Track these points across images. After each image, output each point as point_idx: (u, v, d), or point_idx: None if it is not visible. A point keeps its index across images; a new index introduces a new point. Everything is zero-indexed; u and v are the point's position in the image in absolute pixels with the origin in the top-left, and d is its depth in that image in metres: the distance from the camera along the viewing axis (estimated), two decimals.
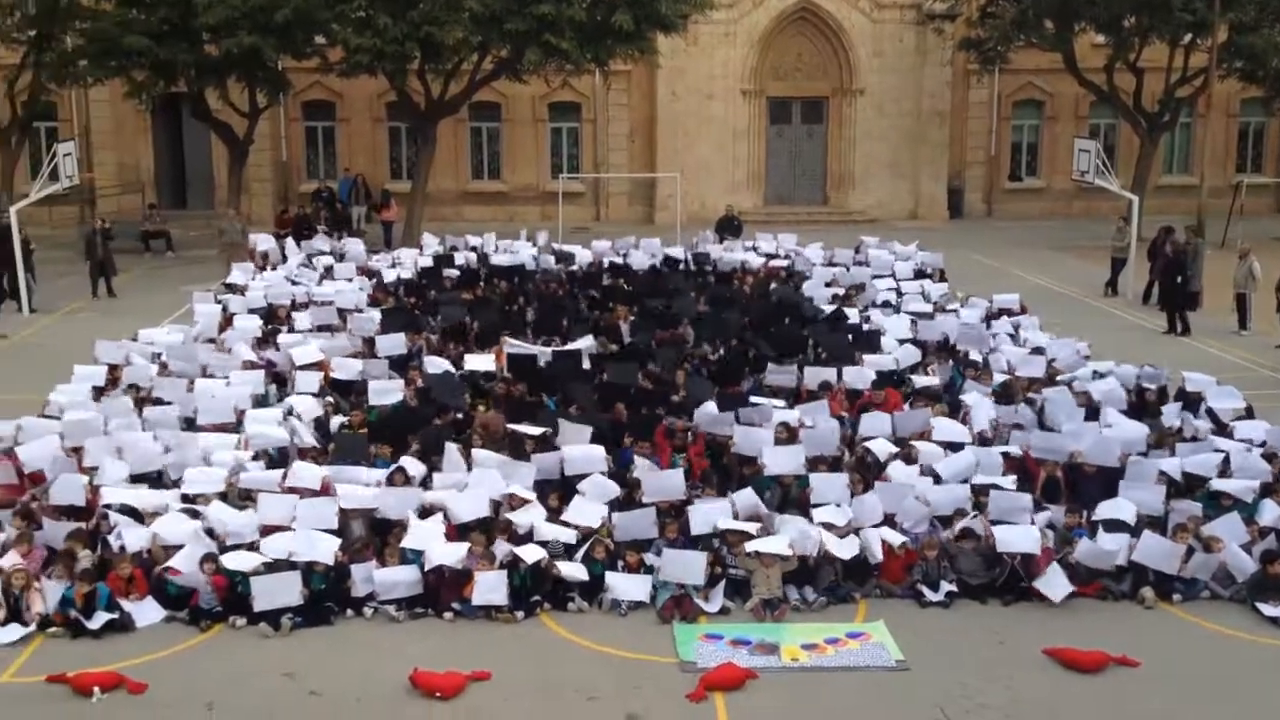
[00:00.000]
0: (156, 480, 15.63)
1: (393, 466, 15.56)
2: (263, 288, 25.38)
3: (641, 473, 15.49)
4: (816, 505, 14.96)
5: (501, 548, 13.89)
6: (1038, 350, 21.12)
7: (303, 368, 19.67)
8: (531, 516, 14.45)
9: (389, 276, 27.11)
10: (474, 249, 29.74)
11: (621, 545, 14.14)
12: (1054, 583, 13.76)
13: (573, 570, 13.73)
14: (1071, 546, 14.23)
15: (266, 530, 14.11)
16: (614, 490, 15.22)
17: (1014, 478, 15.77)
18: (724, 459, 16.57)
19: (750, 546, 13.74)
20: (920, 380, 19.55)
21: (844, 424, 17.62)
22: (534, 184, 44.11)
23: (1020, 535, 14.06)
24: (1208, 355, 24.15)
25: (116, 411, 17.51)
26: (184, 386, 18.80)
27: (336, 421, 18.03)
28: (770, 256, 29.54)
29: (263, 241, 30.23)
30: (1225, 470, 16.03)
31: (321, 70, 36.47)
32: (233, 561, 13.42)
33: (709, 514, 14.54)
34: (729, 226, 34.23)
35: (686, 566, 13.67)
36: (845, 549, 13.97)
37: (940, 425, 17.13)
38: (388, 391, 18.50)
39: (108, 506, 14.47)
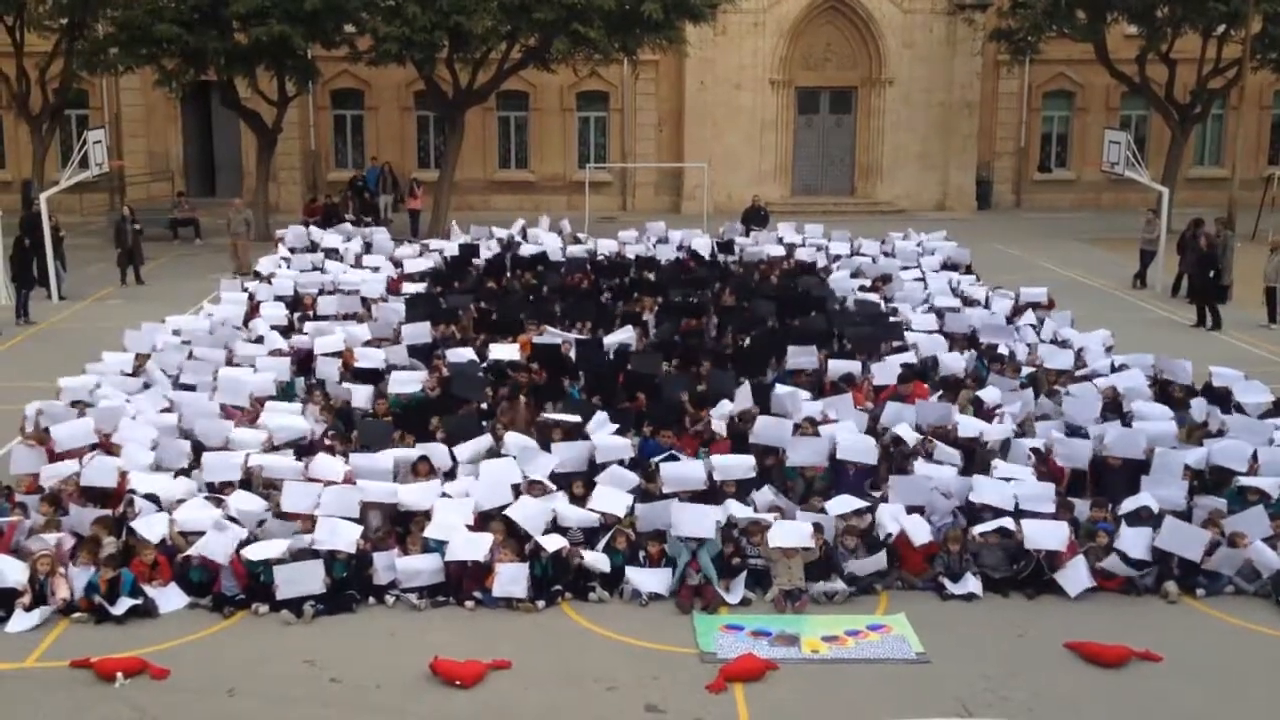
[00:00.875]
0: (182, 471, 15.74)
1: (416, 455, 15.62)
2: (291, 276, 25.48)
3: (662, 464, 15.45)
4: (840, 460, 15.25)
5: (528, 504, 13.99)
6: (1064, 343, 21.00)
7: (324, 355, 19.75)
8: (553, 504, 14.46)
9: (412, 266, 27.08)
10: (500, 240, 29.70)
11: (643, 536, 14.14)
12: (1073, 577, 13.71)
13: (596, 561, 13.75)
14: (1095, 540, 14.17)
15: (288, 517, 14.21)
16: (633, 480, 15.20)
17: (1028, 464, 15.75)
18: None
19: (773, 542, 13.72)
20: (945, 360, 19.53)
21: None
22: (561, 173, 44.14)
23: (1048, 531, 13.98)
24: (1236, 349, 23.97)
25: (147, 402, 17.64)
26: (210, 371, 18.92)
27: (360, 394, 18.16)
28: (793, 247, 29.35)
29: (290, 231, 30.34)
30: (1253, 466, 15.89)
31: (350, 59, 36.51)
32: (255, 551, 13.49)
33: (738, 510, 14.57)
34: (756, 217, 34.17)
35: (698, 521, 13.70)
36: (868, 564, 13.93)
37: (964, 423, 17.00)
38: (408, 381, 18.54)
39: (133, 492, 14.55)
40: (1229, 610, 13.49)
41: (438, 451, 15.79)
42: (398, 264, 27.57)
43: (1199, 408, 17.78)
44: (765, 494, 15.02)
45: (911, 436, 16.41)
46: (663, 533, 14.16)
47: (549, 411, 17.59)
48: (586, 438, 16.38)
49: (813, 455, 15.69)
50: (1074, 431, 16.94)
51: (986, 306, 23.80)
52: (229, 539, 13.56)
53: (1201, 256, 27.14)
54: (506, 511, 14.16)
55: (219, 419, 16.90)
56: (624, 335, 20.96)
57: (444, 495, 14.70)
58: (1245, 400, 18.12)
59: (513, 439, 16.05)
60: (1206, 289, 26.54)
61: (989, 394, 18.12)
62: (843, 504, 14.54)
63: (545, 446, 16.01)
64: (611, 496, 14.74)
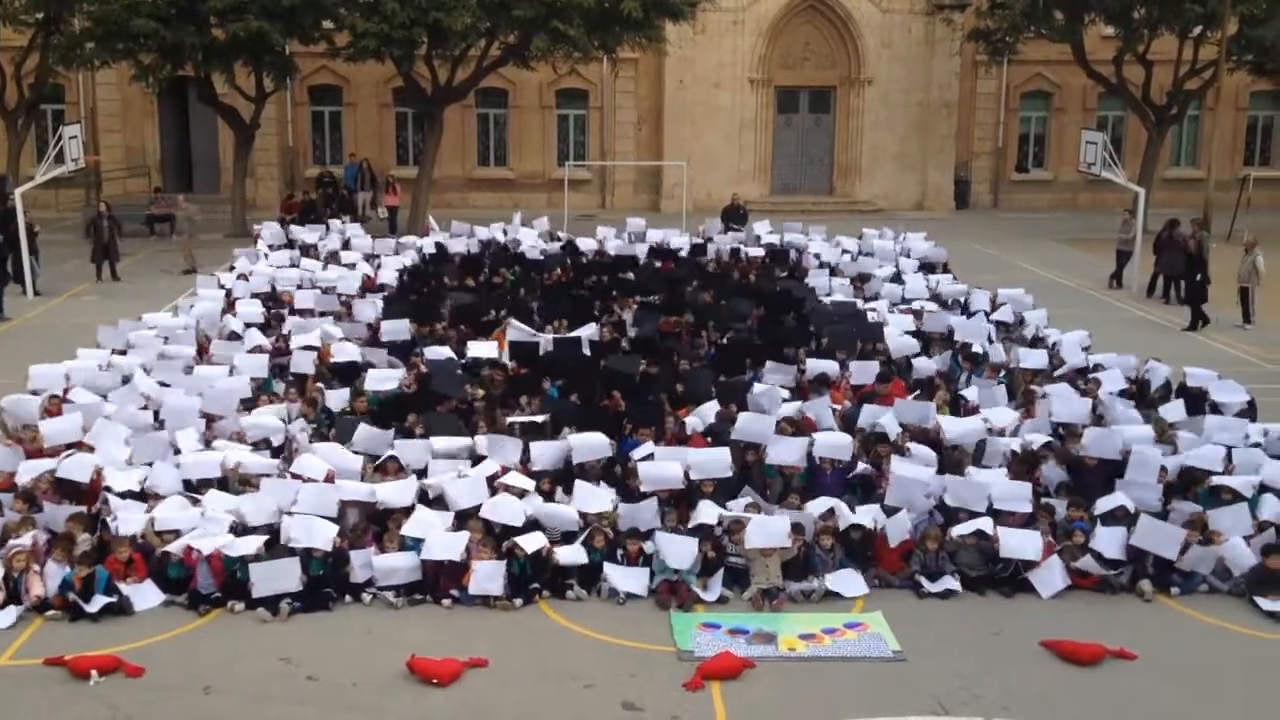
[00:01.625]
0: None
1: (386, 439, 15.69)
2: (268, 273, 25.37)
3: (640, 463, 15.43)
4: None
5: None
6: (1039, 340, 21.06)
7: (302, 348, 19.70)
8: (529, 504, 14.45)
9: (388, 265, 26.87)
10: (482, 241, 29.55)
11: (622, 535, 14.13)
12: (1047, 579, 13.78)
13: (572, 555, 13.72)
14: (1072, 539, 14.22)
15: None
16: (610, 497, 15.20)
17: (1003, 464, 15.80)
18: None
19: (749, 543, 13.73)
20: (920, 364, 19.58)
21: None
22: (540, 171, 44.10)
23: (1022, 541, 14.00)
24: (1213, 349, 24.10)
25: (124, 399, 17.57)
26: (181, 368, 18.88)
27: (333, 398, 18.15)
28: (772, 247, 29.29)
29: (265, 227, 30.25)
30: (1228, 466, 15.95)
31: (328, 55, 36.40)
32: (234, 547, 13.42)
33: (711, 509, 14.56)
34: (734, 215, 34.18)
35: (678, 552, 13.66)
36: (850, 587, 13.91)
37: (947, 425, 17.01)
38: (386, 378, 18.48)
39: (108, 489, 14.48)
40: (1203, 609, 13.56)
41: (415, 448, 15.74)
42: (371, 258, 27.47)
43: (1173, 411, 17.70)
44: (720, 460, 15.00)
45: (893, 431, 16.48)
46: (640, 530, 14.18)
47: (522, 405, 17.60)
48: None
49: (792, 455, 15.69)
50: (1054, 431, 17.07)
51: (964, 306, 23.84)
52: (215, 534, 13.52)
53: (1190, 258, 27.01)
54: (482, 512, 14.14)
55: (198, 420, 16.82)
56: (587, 330, 20.91)
57: (422, 493, 14.70)
58: (1222, 400, 18.20)
59: (484, 437, 16.04)
60: (1195, 291, 26.50)
61: (971, 393, 18.16)
62: (823, 506, 14.57)
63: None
64: (594, 494, 14.76)
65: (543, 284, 25.26)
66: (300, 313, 22.39)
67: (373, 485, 14.79)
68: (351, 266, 26.42)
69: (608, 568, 13.74)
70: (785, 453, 15.71)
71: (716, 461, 15.34)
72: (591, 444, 15.84)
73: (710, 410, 17.26)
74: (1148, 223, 31.33)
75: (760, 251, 28.48)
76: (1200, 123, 44.70)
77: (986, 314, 22.96)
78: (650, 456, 15.58)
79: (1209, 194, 34.50)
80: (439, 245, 28.37)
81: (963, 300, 24.39)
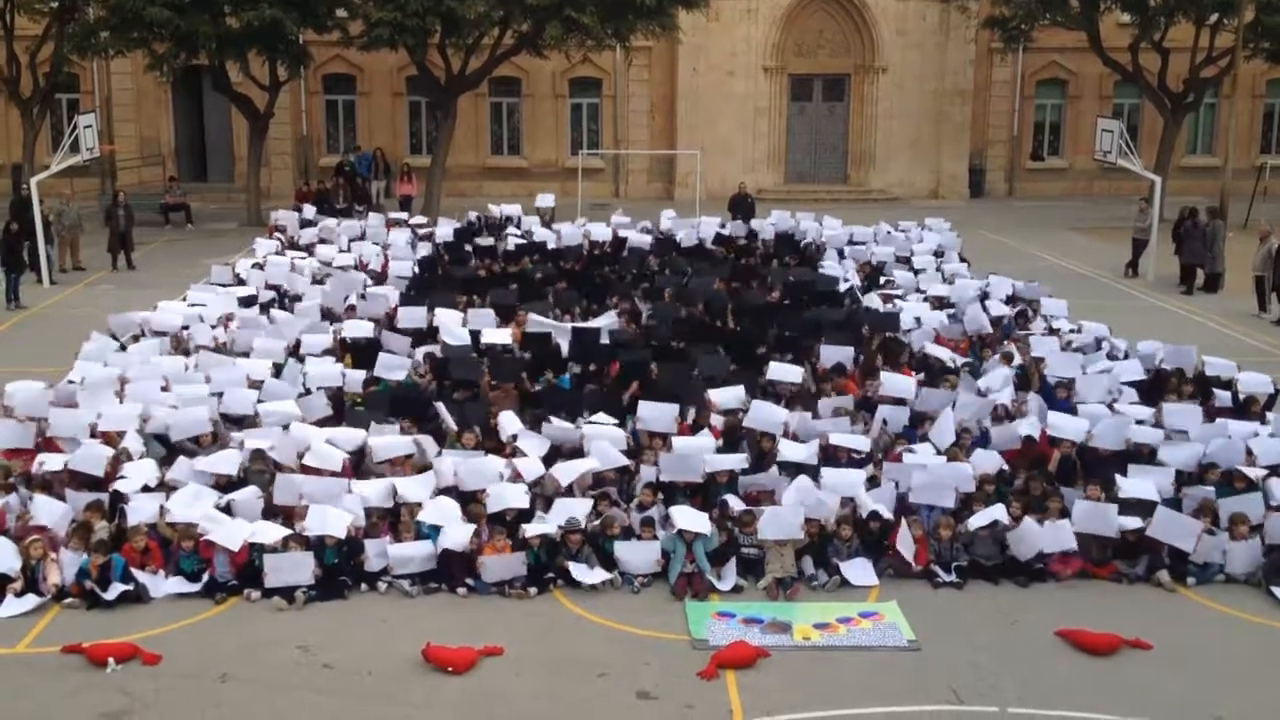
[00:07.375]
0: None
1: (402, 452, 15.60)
2: (284, 263, 25.31)
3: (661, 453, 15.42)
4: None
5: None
6: (1053, 331, 21.00)
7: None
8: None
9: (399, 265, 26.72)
10: (496, 220, 29.45)
11: (635, 523, 14.16)
12: (1056, 537, 13.87)
13: (582, 575, 13.64)
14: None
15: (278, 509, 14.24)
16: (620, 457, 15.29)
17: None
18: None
19: (762, 534, 13.74)
20: (933, 350, 19.57)
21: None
22: (554, 160, 44.03)
23: (1057, 534, 13.94)
24: (1228, 339, 24.00)
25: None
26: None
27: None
28: (790, 235, 29.21)
29: (283, 217, 30.23)
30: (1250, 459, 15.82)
31: (342, 43, 36.46)
32: (255, 537, 13.48)
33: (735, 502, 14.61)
34: (742, 204, 34.02)
35: (695, 517, 13.75)
36: (862, 576, 13.90)
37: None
38: (397, 366, 18.44)
39: (124, 478, 14.51)
40: (1219, 598, 13.54)
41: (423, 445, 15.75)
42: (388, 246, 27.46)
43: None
44: (755, 479, 14.98)
45: (898, 422, 16.50)
46: (654, 520, 14.19)
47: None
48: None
49: (802, 454, 15.61)
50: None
51: (983, 297, 23.71)
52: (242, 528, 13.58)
53: None
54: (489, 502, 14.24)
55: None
56: (606, 320, 20.87)
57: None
58: (1247, 391, 18.10)
59: (506, 420, 16.05)
60: None
61: (984, 381, 18.08)
62: (838, 479, 14.56)
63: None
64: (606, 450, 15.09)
65: (557, 272, 25.13)
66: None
67: (391, 481, 14.73)
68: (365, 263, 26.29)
69: (619, 546, 13.75)
70: (794, 453, 15.64)
71: (733, 462, 15.33)
72: (606, 435, 15.84)
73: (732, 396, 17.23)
74: (1164, 211, 31.22)
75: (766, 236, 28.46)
76: (1217, 110, 44.44)
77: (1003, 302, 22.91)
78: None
79: (1225, 182, 34.36)
80: (456, 232, 28.29)
81: (981, 290, 24.23)
